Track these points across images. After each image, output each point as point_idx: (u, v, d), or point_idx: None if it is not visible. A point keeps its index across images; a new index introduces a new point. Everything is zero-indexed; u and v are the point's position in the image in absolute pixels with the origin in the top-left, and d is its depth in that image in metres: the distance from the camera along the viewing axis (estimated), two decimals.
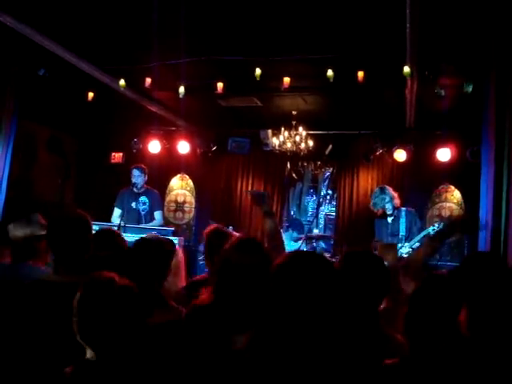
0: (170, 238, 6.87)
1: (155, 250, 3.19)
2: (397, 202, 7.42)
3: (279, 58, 6.82)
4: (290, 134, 9.34)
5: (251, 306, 2.23)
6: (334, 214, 10.76)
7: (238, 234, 3.93)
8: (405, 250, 6.97)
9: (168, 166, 10.82)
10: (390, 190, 7.49)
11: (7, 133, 7.71)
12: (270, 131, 9.77)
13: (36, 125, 9.78)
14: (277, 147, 9.50)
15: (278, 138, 9.46)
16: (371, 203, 7.64)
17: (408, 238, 7.10)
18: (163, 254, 3.22)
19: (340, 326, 1.79)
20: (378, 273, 2.75)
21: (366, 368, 1.96)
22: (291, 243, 8.42)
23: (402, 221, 7.19)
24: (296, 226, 8.95)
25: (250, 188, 10.93)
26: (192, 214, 11.22)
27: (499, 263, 3.02)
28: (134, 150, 10.55)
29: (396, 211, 7.37)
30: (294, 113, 9.18)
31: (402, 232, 7.11)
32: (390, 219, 7.40)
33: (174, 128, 10.52)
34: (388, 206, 7.38)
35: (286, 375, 1.69)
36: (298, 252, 2.04)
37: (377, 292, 2.72)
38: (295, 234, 8.65)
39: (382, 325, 2.64)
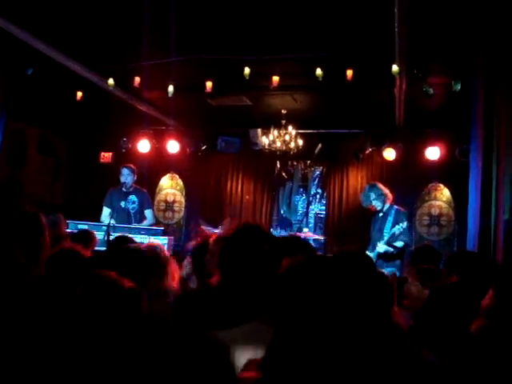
0: (160, 237, 6.94)
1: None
2: (387, 199, 7.36)
3: (268, 57, 6.82)
4: (279, 133, 9.34)
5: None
6: (323, 212, 10.77)
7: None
8: (381, 249, 6.96)
9: (158, 165, 10.79)
10: (379, 187, 7.43)
11: None
12: (259, 130, 9.78)
13: (25, 125, 9.74)
14: (266, 146, 9.50)
15: (267, 137, 9.46)
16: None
17: (391, 237, 7.02)
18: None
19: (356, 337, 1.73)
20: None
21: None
22: None
23: (390, 219, 7.16)
24: (284, 224, 8.96)
25: (240, 187, 10.93)
26: (182, 214, 11.21)
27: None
28: (124, 150, 10.54)
29: (387, 208, 7.33)
30: (283, 112, 9.18)
31: (387, 230, 7.07)
32: (380, 215, 7.40)
33: (163, 127, 10.51)
34: (375, 203, 7.36)
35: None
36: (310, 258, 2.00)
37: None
38: (283, 233, 8.67)
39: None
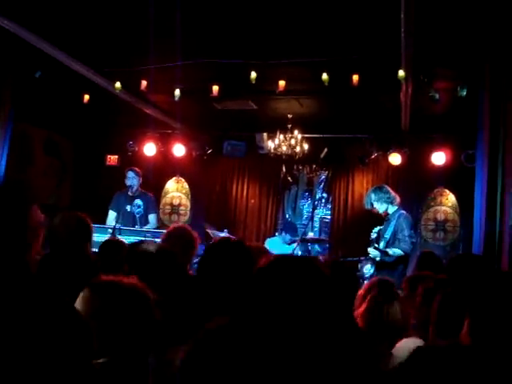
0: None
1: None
2: (393, 202, 7.16)
3: (275, 62, 6.83)
4: (285, 138, 9.35)
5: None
6: (329, 217, 10.79)
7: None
8: (372, 253, 6.82)
9: (163, 168, 10.82)
10: (383, 190, 7.26)
11: (3, 135, 7.71)
12: (265, 134, 9.79)
13: (32, 127, 9.78)
14: (272, 150, 9.50)
15: (273, 141, 9.47)
16: None
17: (389, 242, 6.91)
18: None
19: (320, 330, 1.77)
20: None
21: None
22: (285, 246, 8.43)
23: (392, 223, 7.03)
24: (289, 229, 8.95)
25: (245, 191, 10.94)
26: (187, 217, 11.21)
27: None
28: (130, 153, 10.56)
29: (393, 212, 7.13)
30: (289, 116, 9.18)
31: (387, 234, 6.94)
32: (386, 219, 7.28)
33: (169, 131, 10.53)
34: (376, 206, 7.20)
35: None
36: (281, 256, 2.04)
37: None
38: (288, 237, 8.65)
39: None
